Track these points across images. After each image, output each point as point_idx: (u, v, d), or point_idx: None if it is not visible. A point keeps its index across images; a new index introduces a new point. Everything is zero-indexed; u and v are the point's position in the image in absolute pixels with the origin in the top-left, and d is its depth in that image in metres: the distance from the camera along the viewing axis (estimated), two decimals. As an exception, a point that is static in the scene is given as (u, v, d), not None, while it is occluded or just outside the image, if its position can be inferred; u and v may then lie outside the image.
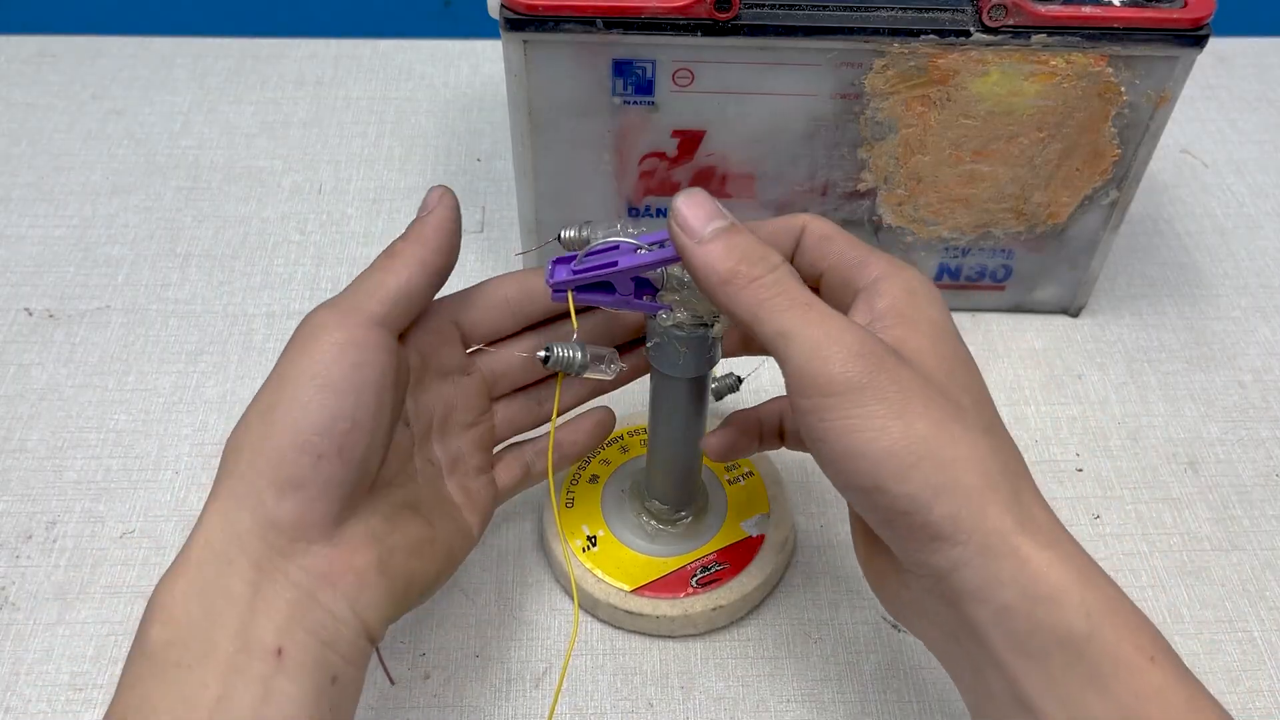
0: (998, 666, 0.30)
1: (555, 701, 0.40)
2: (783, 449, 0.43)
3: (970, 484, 0.30)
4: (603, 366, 0.38)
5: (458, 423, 0.40)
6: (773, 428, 0.42)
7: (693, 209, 0.33)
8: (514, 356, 0.41)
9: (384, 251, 0.37)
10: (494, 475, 0.42)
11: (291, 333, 0.35)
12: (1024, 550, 0.30)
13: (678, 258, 0.34)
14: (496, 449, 0.43)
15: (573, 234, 0.38)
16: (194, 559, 0.33)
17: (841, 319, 0.32)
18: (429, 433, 0.40)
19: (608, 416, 0.44)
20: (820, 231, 0.37)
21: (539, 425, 0.43)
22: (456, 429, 0.40)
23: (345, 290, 0.36)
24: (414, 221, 0.38)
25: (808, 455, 0.52)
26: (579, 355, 0.37)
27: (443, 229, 0.37)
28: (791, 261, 0.37)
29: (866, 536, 0.35)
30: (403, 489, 0.37)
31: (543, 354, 0.37)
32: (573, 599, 0.43)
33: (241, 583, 0.32)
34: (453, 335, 0.40)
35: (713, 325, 0.36)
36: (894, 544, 0.32)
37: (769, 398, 0.43)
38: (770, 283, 0.32)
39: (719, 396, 0.45)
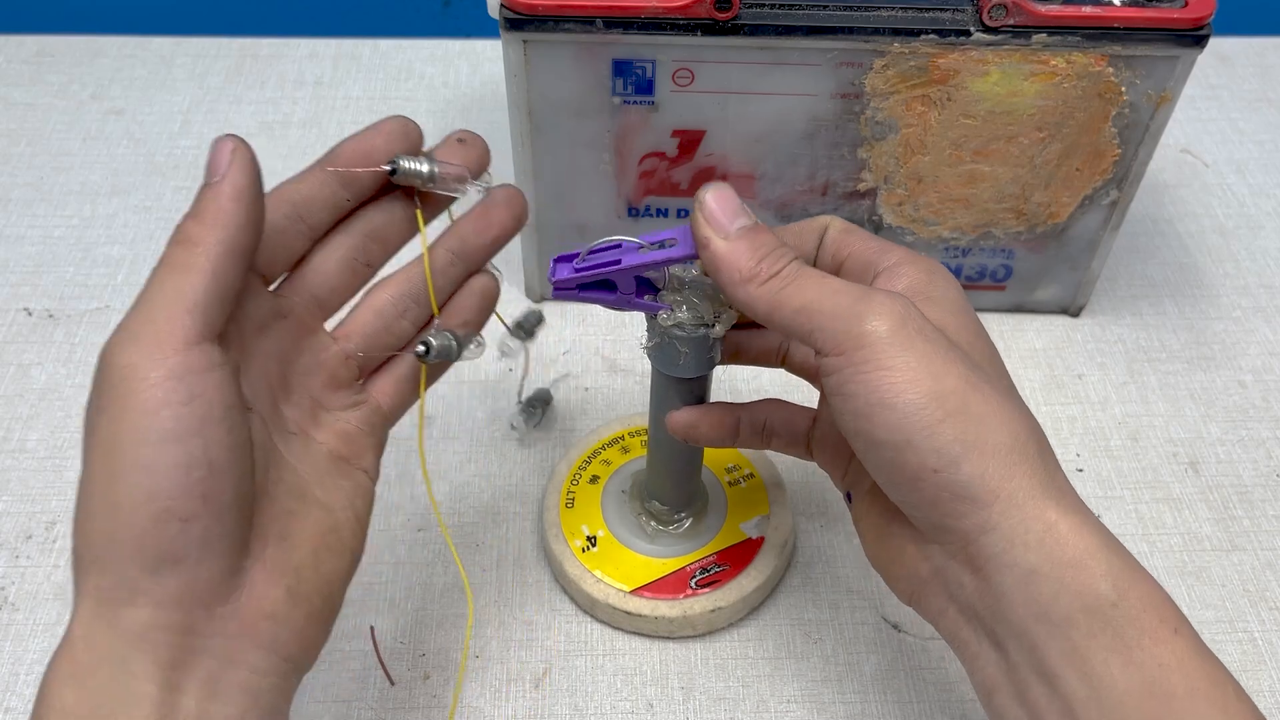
0: (1018, 636, 0.30)
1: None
2: (771, 452, 0.42)
3: (999, 442, 0.30)
4: (455, 186, 0.35)
5: (300, 371, 0.34)
6: (756, 425, 0.40)
7: (721, 204, 0.33)
8: (328, 273, 0.35)
9: (174, 239, 0.30)
10: (370, 398, 0.36)
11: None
12: (1050, 514, 0.30)
13: (681, 258, 0.34)
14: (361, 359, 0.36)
15: (412, 165, 0.34)
16: (82, 664, 0.28)
17: (863, 286, 0.32)
18: (275, 403, 0.33)
19: (515, 195, 0.38)
20: (842, 227, 0.37)
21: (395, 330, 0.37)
22: (300, 379, 0.34)
23: (138, 305, 0.29)
24: (203, 191, 0.30)
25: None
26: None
27: (243, 199, 0.30)
28: (814, 263, 0.37)
29: (879, 516, 0.35)
30: (281, 484, 0.32)
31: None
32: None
33: (148, 684, 0.28)
34: (249, 281, 0.32)
35: (714, 325, 0.36)
36: (917, 509, 0.32)
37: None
38: (789, 273, 0.32)
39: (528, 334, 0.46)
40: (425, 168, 0.34)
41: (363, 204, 0.35)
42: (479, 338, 0.38)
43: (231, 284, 0.30)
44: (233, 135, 0.30)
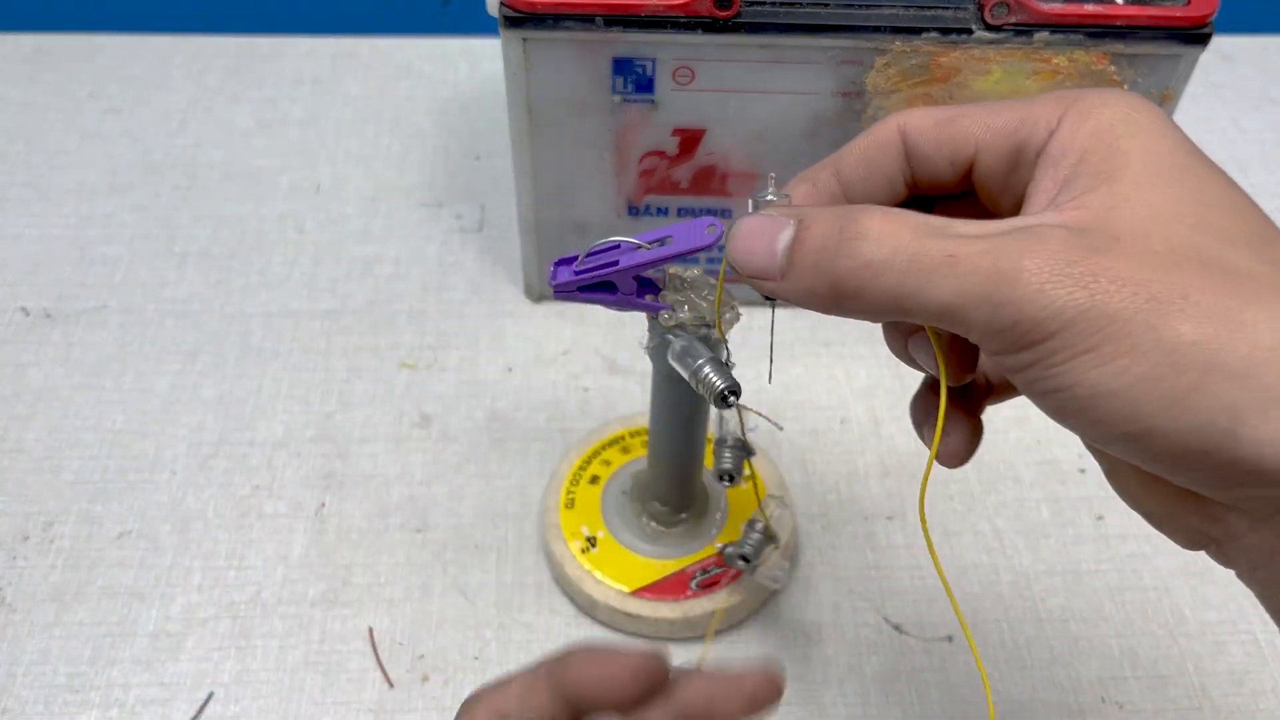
0: None
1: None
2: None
3: None
4: None
5: None
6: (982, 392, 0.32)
7: (746, 245, 0.27)
8: None
9: None
10: None
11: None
12: None
13: (678, 254, 0.34)
14: None
15: None
16: None
17: (1003, 241, 0.23)
18: None
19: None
20: (932, 121, 0.28)
21: None
22: None
23: None
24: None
25: (806, 457, 0.51)
26: None
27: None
28: (912, 184, 0.29)
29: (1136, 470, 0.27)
30: None
31: None
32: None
33: None
34: None
35: (715, 325, 0.36)
36: (1200, 489, 0.25)
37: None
38: (894, 265, 0.24)
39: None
40: None
41: None
42: None
43: None
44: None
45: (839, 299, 0.25)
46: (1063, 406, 0.24)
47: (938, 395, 0.29)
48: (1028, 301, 0.23)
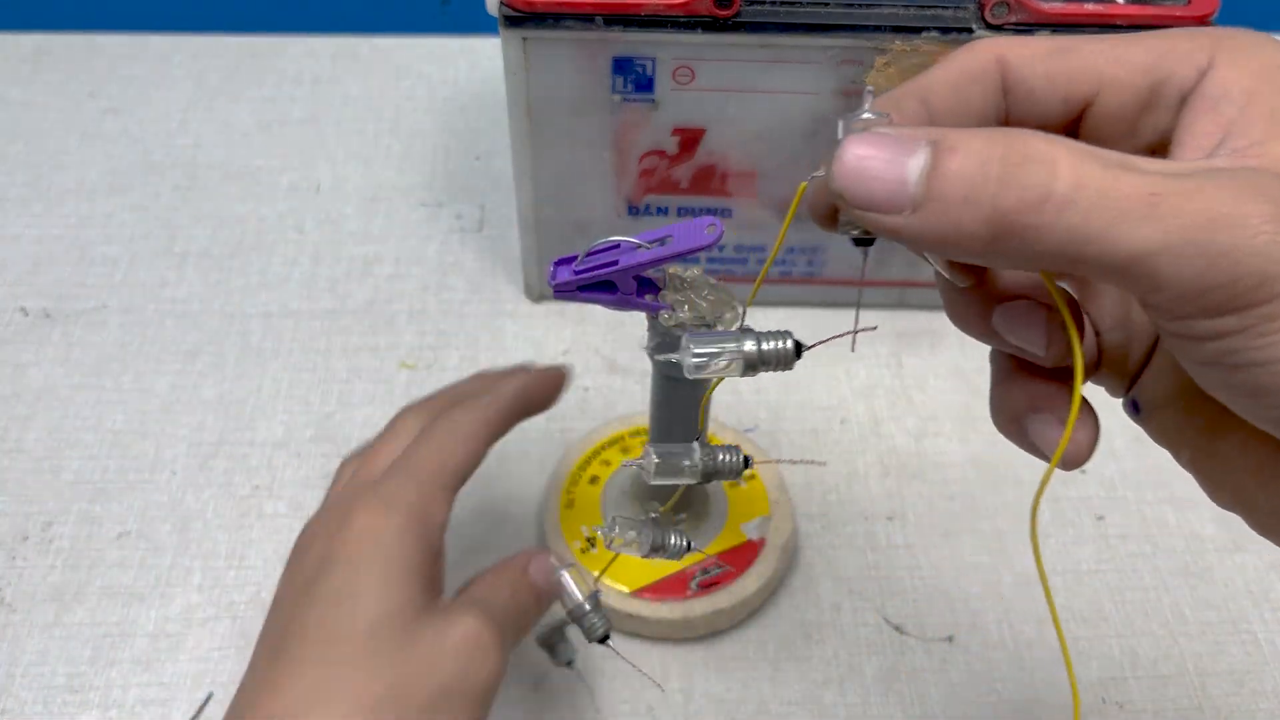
0: None
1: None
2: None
3: None
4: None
5: None
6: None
7: (862, 167, 0.21)
8: None
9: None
10: None
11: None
12: None
13: (677, 254, 0.33)
14: None
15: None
16: None
17: (1214, 182, 0.20)
18: None
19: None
20: (1041, 51, 0.24)
21: None
22: None
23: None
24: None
25: (806, 457, 0.51)
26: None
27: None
28: (1007, 121, 0.25)
29: (1224, 440, 0.25)
30: None
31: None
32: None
33: None
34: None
35: (715, 325, 0.36)
36: None
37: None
38: (1078, 201, 0.20)
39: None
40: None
41: None
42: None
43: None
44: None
45: (998, 239, 0.20)
46: (1261, 385, 0.20)
47: (1035, 381, 0.25)
48: (1255, 253, 0.19)
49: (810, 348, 0.28)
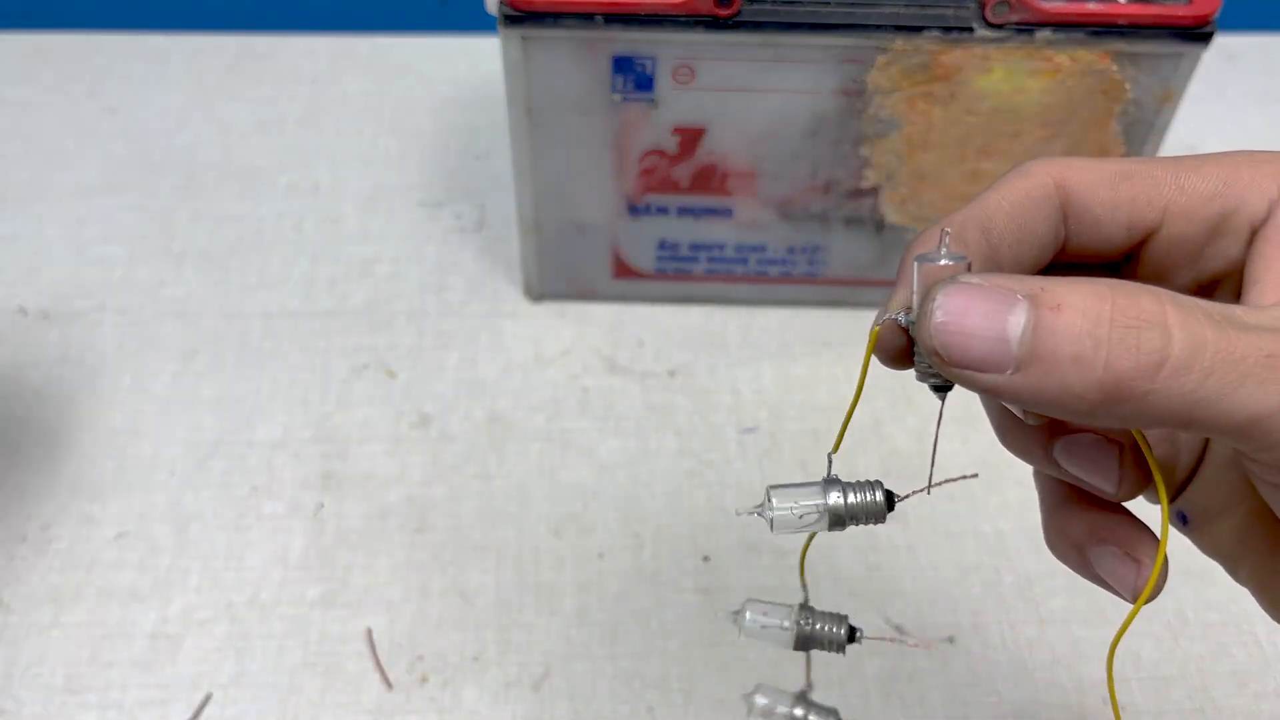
0: None
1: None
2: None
3: None
4: None
5: None
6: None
7: (962, 325, 0.20)
8: None
9: None
10: None
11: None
12: None
13: None
14: None
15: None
16: None
17: None
18: None
19: None
20: (1104, 177, 0.23)
21: None
22: None
23: None
24: None
25: (806, 457, 0.51)
26: None
27: None
28: (1065, 248, 0.24)
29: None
30: None
31: None
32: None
33: None
34: None
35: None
36: None
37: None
38: (1194, 365, 0.19)
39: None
40: None
41: None
42: None
43: None
44: None
45: (1110, 403, 0.19)
46: None
47: (1094, 511, 0.25)
48: None
49: (904, 498, 0.27)
